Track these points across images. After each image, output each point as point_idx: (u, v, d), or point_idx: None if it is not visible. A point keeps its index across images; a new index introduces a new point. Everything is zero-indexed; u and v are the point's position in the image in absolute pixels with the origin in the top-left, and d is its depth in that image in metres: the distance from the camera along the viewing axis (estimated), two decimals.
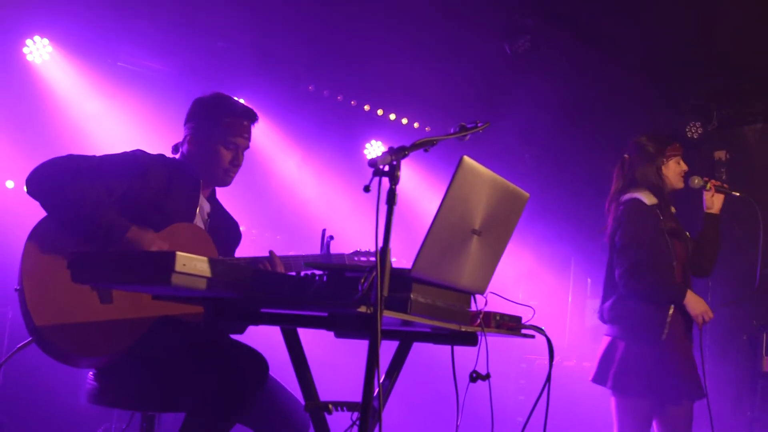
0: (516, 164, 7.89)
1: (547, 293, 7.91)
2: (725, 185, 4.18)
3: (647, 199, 3.99)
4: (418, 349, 3.02)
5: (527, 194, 2.53)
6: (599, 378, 4.00)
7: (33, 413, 5.57)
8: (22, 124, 5.75)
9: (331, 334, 2.43)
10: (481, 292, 2.52)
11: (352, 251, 3.19)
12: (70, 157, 2.82)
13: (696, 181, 4.12)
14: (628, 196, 4.05)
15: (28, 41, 5.79)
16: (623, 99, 7.19)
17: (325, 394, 2.50)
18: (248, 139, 3.16)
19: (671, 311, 3.91)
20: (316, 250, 3.15)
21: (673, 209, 4.14)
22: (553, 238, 7.67)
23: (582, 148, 7.62)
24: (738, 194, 4.14)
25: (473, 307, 2.53)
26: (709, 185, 4.13)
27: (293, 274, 2.83)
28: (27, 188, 2.75)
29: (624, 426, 3.93)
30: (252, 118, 3.17)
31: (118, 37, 6.06)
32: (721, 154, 6.75)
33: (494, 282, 2.55)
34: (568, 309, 7.61)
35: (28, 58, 5.81)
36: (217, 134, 3.07)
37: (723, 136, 6.80)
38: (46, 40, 5.84)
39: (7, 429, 5.18)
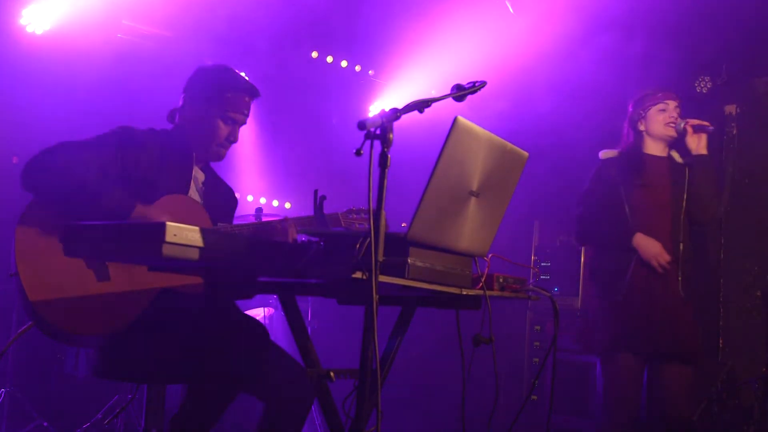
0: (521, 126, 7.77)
1: (559, 255, 7.84)
2: (704, 122, 3.94)
3: (604, 154, 4.05)
4: (426, 313, 2.98)
5: (526, 153, 2.48)
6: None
7: (46, 385, 5.60)
8: (24, 98, 5.72)
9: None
10: (483, 255, 2.47)
11: (346, 210, 3.14)
12: (60, 146, 2.74)
13: (681, 126, 3.94)
14: None
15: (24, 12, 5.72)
16: (628, 53, 7.06)
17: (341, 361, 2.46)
18: (247, 115, 3.09)
19: (633, 263, 3.81)
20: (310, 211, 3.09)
21: (677, 157, 4.03)
22: (563, 197, 7.59)
23: (589, 110, 7.50)
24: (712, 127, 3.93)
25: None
26: (682, 125, 3.93)
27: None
28: (23, 185, 2.68)
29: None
30: (254, 94, 3.10)
31: (118, 8, 6.00)
32: (731, 109, 6.62)
33: (503, 245, 2.49)
34: (580, 270, 7.53)
35: (29, 29, 5.75)
36: (216, 108, 3.00)
37: (733, 90, 6.67)
38: (46, 11, 5.77)
39: (20, 402, 5.22)
